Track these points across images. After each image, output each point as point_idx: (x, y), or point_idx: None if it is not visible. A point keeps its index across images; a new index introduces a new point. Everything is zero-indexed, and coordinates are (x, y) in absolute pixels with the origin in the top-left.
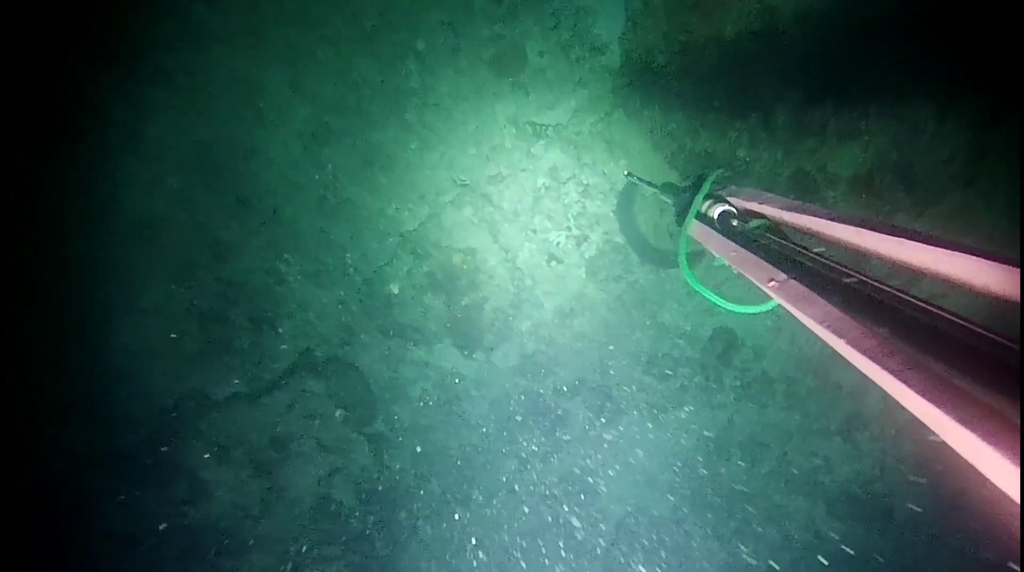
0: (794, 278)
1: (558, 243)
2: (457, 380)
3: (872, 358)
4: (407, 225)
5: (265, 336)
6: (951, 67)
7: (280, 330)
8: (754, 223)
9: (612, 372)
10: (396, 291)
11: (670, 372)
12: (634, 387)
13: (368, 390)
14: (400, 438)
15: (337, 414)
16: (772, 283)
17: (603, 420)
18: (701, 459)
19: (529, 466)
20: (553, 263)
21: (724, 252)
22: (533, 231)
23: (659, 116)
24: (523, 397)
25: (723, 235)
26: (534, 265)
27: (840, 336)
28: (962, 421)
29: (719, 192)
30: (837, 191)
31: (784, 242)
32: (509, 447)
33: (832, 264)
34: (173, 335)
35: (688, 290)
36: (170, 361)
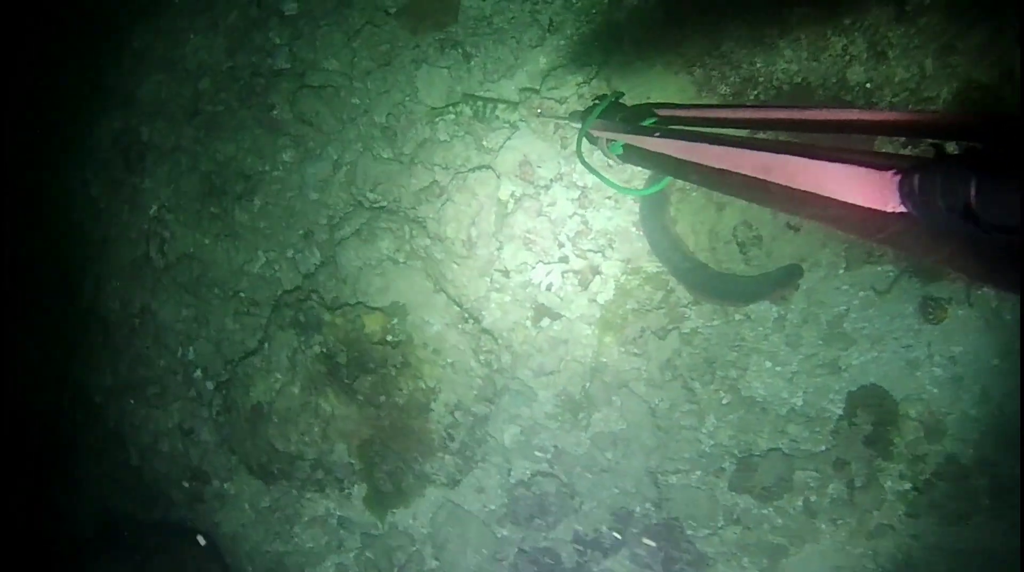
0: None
1: (549, 286)
2: (397, 544)
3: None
4: (285, 282)
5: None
6: None
7: (74, 496)
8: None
9: (674, 495)
10: (270, 398)
11: (781, 482)
12: (720, 519)
13: None
14: None
15: None
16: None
17: None
18: None
19: None
20: (545, 321)
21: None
22: (503, 271)
23: (688, 47)
24: (521, 563)
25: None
26: (512, 327)
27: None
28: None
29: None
30: None
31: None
32: None
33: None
34: None
35: (791, 336)
36: None
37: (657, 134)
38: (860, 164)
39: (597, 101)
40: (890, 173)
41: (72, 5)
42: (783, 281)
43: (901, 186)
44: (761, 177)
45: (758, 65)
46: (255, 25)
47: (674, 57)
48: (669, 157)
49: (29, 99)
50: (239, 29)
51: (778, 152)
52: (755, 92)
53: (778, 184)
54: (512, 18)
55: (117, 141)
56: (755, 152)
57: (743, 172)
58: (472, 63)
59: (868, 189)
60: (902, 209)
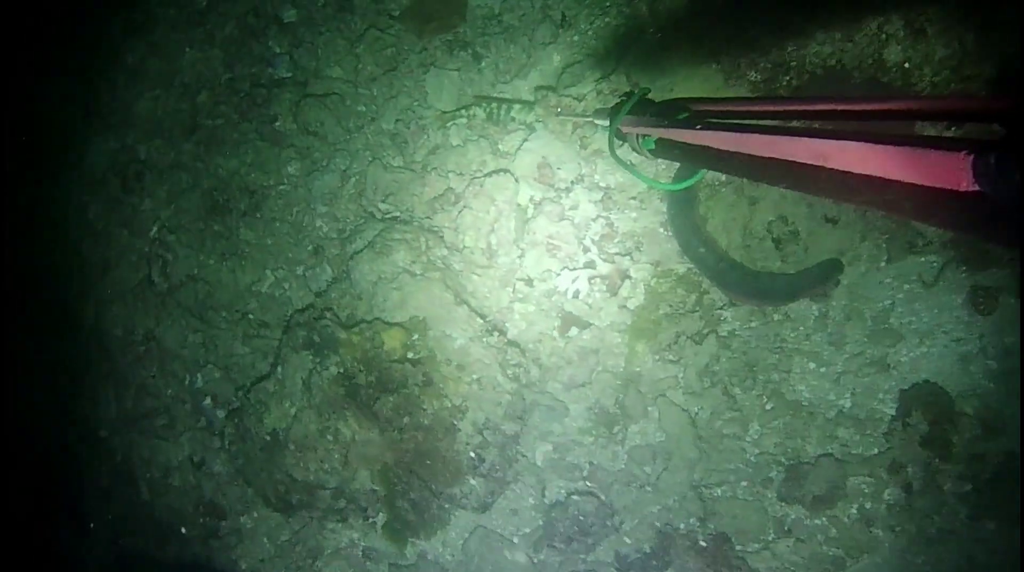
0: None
1: (576, 293)
2: None
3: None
4: (296, 301)
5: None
6: None
7: (82, 536)
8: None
9: (720, 508)
10: (285, 424)
11: (833, 490)
12: (771, 532)
13: None
14: None
15: None
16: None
17: None
18: None
19: None
20: (573, 331)
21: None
22: (526, 280)
23: (712, 35)
24: None
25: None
26: (539, 338)
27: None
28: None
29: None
30: None
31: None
32: None
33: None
34: None
35: (834, 335)
36: None
37: (699, 126)
38: (928, 146)
39: (624, 98)
40: (963, 154)
41: (60, 23)
42: (823, 277)
43: (976, 165)
44: (818, 164)
45: (789, 49)
46: (253, 35)
47: (698, 46)
48: (708, 150)
49: (19, 121)
50: (236, 40)
51: (836, 139)
52: (787, 78)
53: (831, 172)
54: (523, 15)
55: (113, 161)
56: (811, 139)
57: (798, 160)
58: (483, 64)
59: (938, 171)
60: (975, 189)
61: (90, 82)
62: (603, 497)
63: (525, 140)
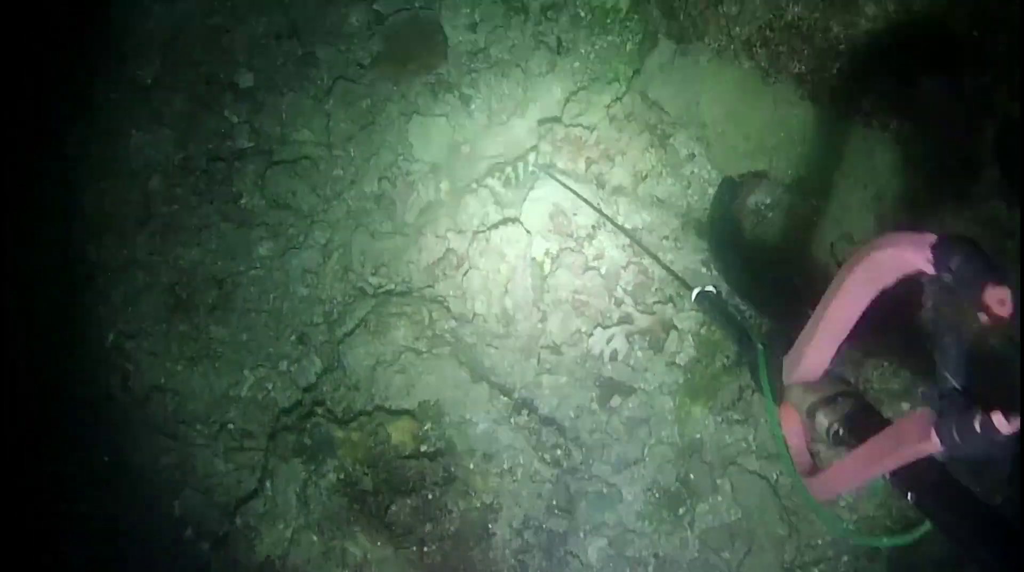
0: None
1: (614, 355)
2: None
3: None
4: (281, 401)
5: None
6: None
7: None
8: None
9: None
10: (281, 551)
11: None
12: None
13: None
14: None
15: None
16: None
17: None
18: None
19: None
20: (615, 400)
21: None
22: (552, 347)
23: (742, 24)
24: None
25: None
26: (576, 414)
27: None
28: None
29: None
30: None
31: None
32: None
33: None
34: None
35: None
36: None
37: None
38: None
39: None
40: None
41: None
42: None
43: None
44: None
45: (835, 31)
46: (206, 106)
47: (727, 40)
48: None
49: None
50: (187, 114)
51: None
52: (837, 64)
53: None
54: (512, 46)
55: (58, 264)
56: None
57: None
58: (472, 106)
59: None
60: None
61: (27, 176)
62: None
63: (529, 190)
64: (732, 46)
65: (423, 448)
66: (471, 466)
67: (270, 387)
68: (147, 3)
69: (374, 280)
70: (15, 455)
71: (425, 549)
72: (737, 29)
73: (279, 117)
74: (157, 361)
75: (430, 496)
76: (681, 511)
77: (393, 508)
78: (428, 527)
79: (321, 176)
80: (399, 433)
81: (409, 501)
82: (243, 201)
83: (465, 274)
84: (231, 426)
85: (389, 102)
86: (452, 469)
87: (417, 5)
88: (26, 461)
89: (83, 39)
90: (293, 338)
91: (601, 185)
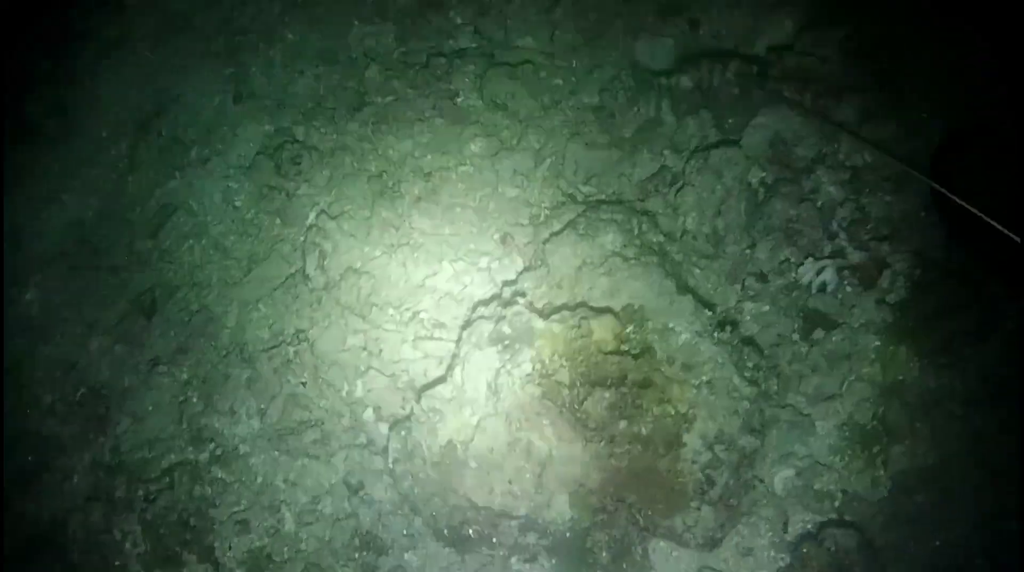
0: None
1: (821, 287)
2: None
3: None
4: (478, 295)
5: None
6: None
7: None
8: None
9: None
10: (464, 436)
11: None
12: None
13: None
14: None
15: None
16: None
17: None
18: None
19: None
20: (818, 333)
21: None
22: (758, 274)
23: None
24: None
25: None
26: (776, 342)
27: None
28: None
29: None
30: None
31: None
32: None
33: None
34: None
35: None
36: None
37: None
38: None
39: None
40: None
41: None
42: None
43: None
44: None
45: None
46: (431, 5)
47: None
48: None
49: (162, 108)
50: (412, 10)
51: None
52: None
53: None
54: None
55: (267, 144)
56: None
57: None
58: (701, 31)
59: None
60: None
61: (241, 63)
62: (861, 535)
63: (757, 112)
64: None
65: (623, 348)
66: (669, 374)
67: (468, 281)
68: None
69: (585, 189)
70: (202, 322)
71: (614, 450)
72: None
73: (503, 22)
74: (356, 243)
75: (627, 395)
76: (876, 449)
77: (589, 401)
78: (622, 425)
79: (541, 83)
80: (602, 329)
81: (607, 396)
82: (459, 99)
83: (678, 191)
84: (423, 315)
85: (618, 17)
86: (650, 374)
87: None
88: (209, 334)
89: None
90: (496, 236)
91: (824, 120)
